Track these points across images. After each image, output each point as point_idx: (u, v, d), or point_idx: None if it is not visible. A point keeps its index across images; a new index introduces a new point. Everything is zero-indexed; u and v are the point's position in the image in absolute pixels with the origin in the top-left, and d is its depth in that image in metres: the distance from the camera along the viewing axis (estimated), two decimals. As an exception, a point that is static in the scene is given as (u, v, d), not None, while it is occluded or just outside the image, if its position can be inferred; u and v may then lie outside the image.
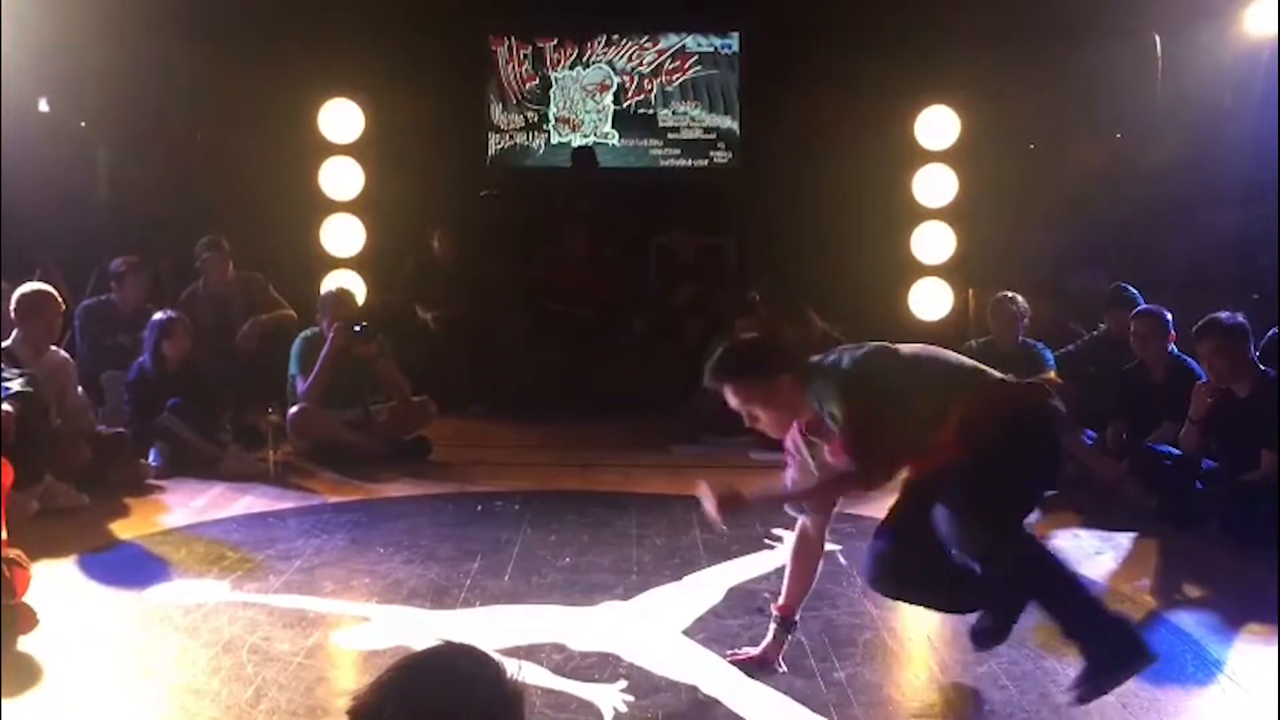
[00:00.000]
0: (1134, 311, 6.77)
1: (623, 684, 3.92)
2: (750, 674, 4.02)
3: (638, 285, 9.29)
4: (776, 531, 5.43)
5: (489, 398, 8.58)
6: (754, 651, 4.11)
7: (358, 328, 7.22)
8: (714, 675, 4.02)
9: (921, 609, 4.28)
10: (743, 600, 4.73)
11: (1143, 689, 3.89)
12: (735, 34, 9.79)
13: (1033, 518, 6.05)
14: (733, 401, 3.88)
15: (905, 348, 4.02)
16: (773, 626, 4.11)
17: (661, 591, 4.87)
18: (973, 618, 4.13)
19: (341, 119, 8.95)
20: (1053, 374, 6.99)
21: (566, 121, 9.95)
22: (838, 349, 4.00)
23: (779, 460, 4.10)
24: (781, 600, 4.12)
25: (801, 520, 4.07)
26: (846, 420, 3.73)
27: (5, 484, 4.56)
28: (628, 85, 9.91)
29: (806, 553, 4.09)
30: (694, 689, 3.91)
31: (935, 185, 8.92)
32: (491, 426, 8.19)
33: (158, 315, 7.01)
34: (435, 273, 8.98)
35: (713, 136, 9.90)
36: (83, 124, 9.27)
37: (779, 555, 5.24)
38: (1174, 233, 8.69)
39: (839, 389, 3.76)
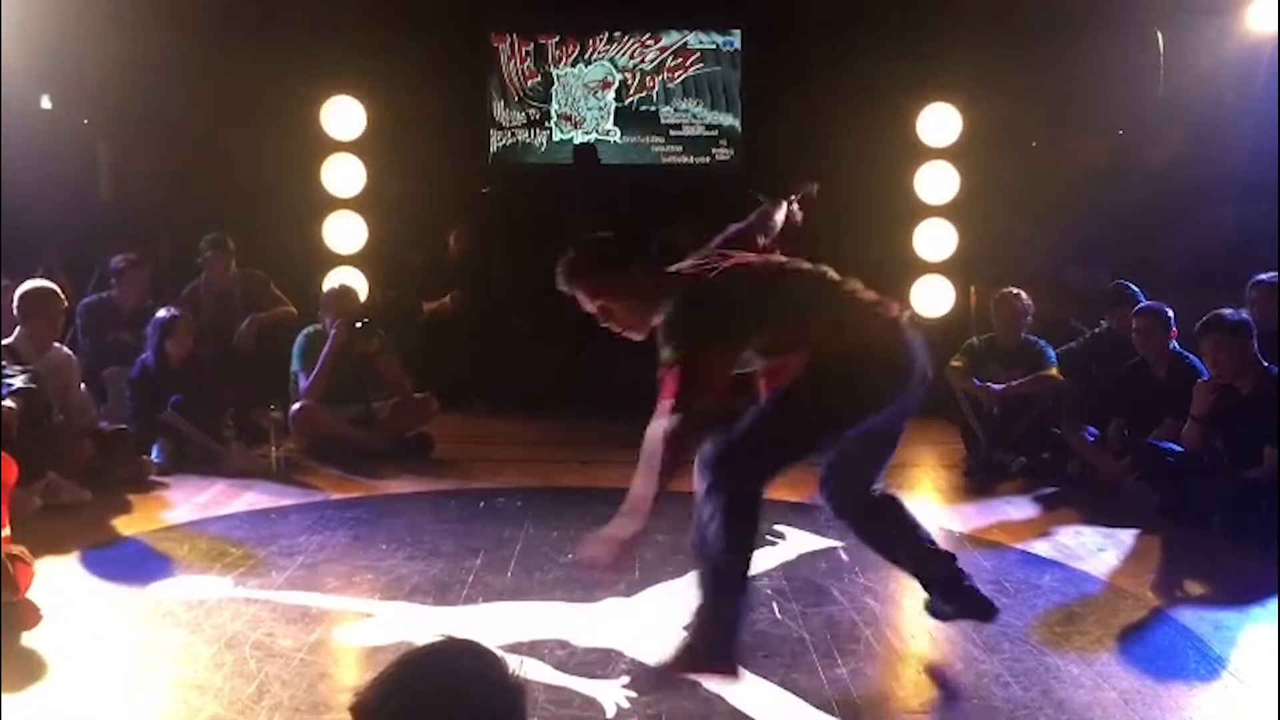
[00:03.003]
0: (1136, 308, 6.77)
1: (625, 680, 3.92)
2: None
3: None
4: (778, 528, 5.45)
5: (491, 394, 8.58)
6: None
7: (359, 324, 7.23)
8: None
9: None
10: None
11: (1145, 685, 3.90)
12: (737, 31, 9.78)
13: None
14: (586, 303, 4.02)
15: (769, 263, 4.06)
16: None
17: (664, 588, 4.87)
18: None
19: (343, 116, 8.98)
20: (1055, 371, 7.00)
21: (568, 118, 9.95)
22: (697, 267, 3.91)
23: None
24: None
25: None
26: (683, 365, 3.57)
27: (8, 480, 4.57)
28: (629, 82, 9.90)
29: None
30: (696, 685, 3.90)
31: (937, 182, 8.94)
32: (493, 423, 8.19)
33: (161, 313, 7.01)
34: (443, 270, 8.97)
35: (714, 133, 9.89)
36: (85, 121, 9.27)
37: (781, 551, 5.26)
38: (1176, 229, 8.67)
39: (679, 330, 3.63)
